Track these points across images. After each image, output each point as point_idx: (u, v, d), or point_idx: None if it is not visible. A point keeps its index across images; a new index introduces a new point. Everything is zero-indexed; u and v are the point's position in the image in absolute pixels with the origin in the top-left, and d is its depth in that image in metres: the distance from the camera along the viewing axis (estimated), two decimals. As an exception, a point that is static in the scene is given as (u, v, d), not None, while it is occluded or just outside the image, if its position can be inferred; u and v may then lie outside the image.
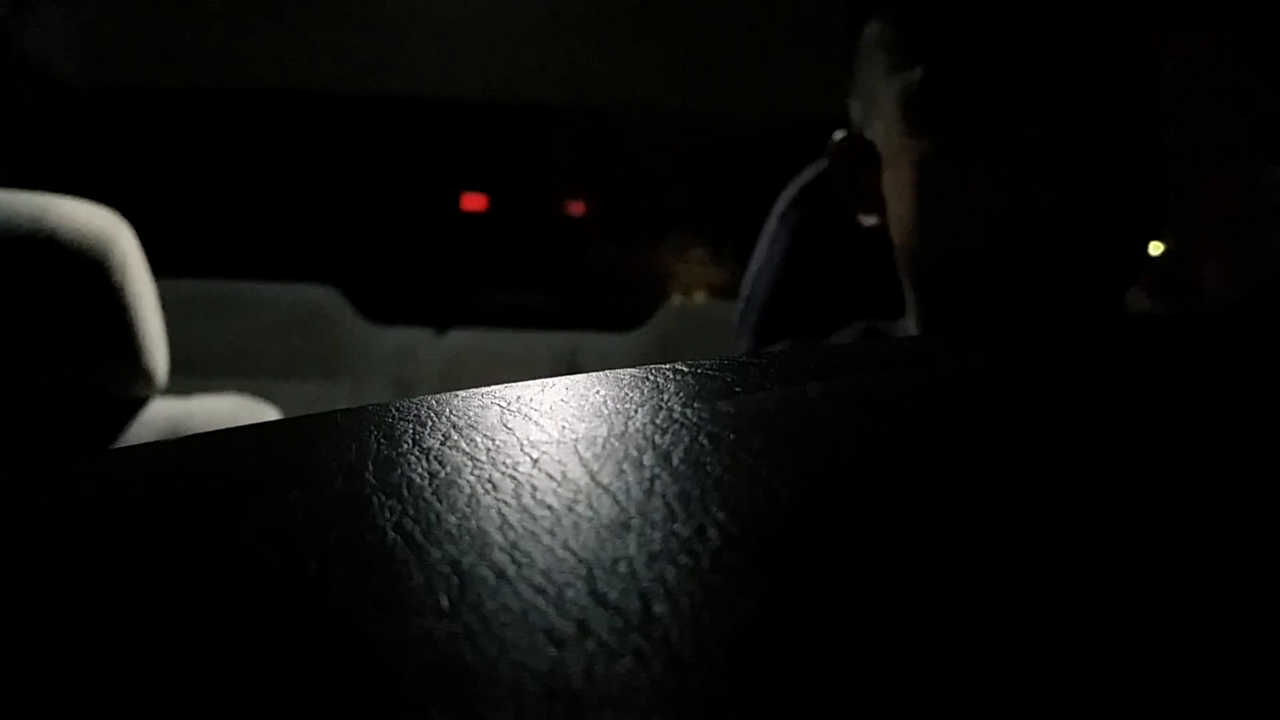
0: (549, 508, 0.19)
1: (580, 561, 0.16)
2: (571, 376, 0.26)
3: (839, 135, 0.66)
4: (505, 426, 0.23)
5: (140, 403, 0.81)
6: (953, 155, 0.55)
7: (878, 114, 0.61)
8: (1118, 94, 0.54)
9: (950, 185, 0.55)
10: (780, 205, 0.81)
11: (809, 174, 0.80)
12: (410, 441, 0.23)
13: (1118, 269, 0.55)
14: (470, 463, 0.21)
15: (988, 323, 0.57)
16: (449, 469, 0.21)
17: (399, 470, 0.21)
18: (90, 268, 0.72)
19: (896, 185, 0.59)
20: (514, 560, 0.17)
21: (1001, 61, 0.54)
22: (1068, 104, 0.53)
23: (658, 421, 0.22)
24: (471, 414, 0.24)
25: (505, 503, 0.19)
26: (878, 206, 0.63)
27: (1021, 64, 0.54)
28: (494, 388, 0.26)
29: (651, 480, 0.19)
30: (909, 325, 0.65)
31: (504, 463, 0.21)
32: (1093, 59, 0.54)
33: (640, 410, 0.23)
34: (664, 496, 0.19)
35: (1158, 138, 0.56)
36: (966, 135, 0.55)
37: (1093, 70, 0.54)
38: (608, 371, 0.27)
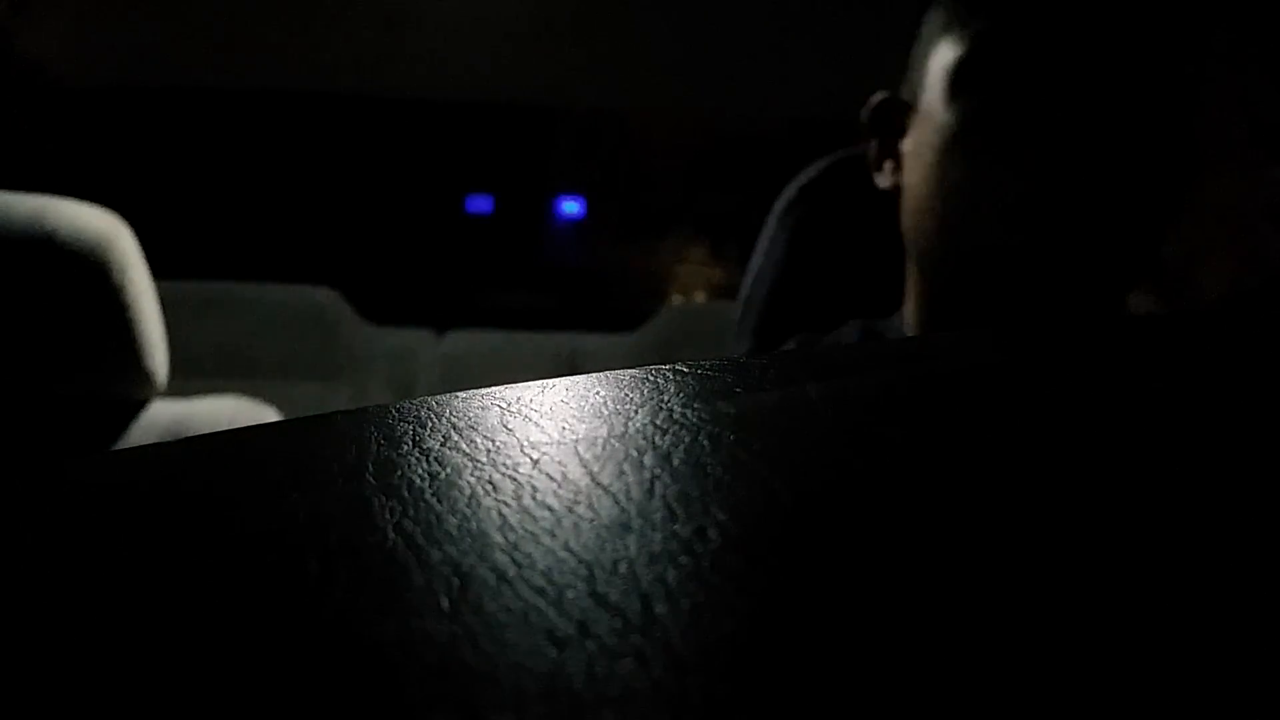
0: (549, 509, 0.19)
1: (581, 563, 0.16)
2: (571, 377, 0.26)
3: (880, 95, 0.66)
4: (505, 427, 0.23)
5: (141, 404, 0.81)
6: (983, 121, 0.55)
7: (922, 75, 0.61)
8: (1155, 97, 0.54)
9: (975, 150, 0.55)
10: (780, 205, 0.81)
11: (809, 174, 0.80)
12: (410, 443, 0.23)
13: (1121, 265, 0.55)
14: (470, 464, 0.21)
15: (985, 314, 0.57)
16: (449, 470, 0.21)
17: (399, 471, 0.21)
18: (90, 268, 0.72)
19: (920, 144, 0.59)
20: (514, 561, 0.17)
21: (1052, 39, 0.54)
22: (1107, 94, 0.53)
23: (658, 422, 0.22)
24: (471, 415, 0.24)
25: (505, 504, 0.19)
26: (897, 171, 0.63)
27: (1072, 46, 0.54)
28: (494, 389, 0.26)
29: (652, 481, 0.19)
30: (905, 319, 0.65)
31: (504, 464, 0.21)
32: (1138, 58, 0.54)
33: (640, 411, 0.23)
34: (664, 497, 0.19)
35: (1182, 147, 0.56)
36: (1002, 105, 0.55)
37: (1137, 69, 0.54)
38: (608, 372, 0.27)
